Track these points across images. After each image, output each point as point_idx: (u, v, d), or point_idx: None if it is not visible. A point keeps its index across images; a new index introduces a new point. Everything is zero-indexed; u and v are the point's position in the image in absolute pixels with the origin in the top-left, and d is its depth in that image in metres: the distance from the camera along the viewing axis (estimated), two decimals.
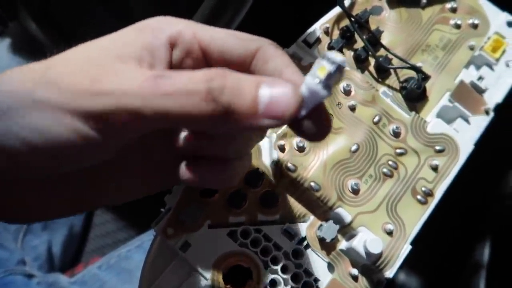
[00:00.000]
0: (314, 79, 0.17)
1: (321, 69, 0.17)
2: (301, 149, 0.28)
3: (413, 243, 0.27)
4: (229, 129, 0.18)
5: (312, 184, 0.27)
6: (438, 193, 0.28)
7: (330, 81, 0.17)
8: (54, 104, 0.17)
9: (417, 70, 0.31)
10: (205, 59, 0.20)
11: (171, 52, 0.19)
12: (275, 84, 0.17)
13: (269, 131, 0.29)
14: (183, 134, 0.20)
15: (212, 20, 0.30)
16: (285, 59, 0.19)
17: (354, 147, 0.29)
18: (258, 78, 0.17)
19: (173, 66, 0.20)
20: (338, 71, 0.17)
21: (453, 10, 0.35)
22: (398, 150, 0.29)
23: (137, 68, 0.18)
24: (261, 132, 0.24)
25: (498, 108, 0.33)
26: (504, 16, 0.35)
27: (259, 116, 0.17)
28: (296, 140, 0.28)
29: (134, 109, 0.16)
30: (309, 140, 0.20)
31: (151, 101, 0.16)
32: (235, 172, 0.21)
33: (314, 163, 0.28)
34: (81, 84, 0.17)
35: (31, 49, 0.54)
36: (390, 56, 0.32)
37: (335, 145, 0.28)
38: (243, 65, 0.19)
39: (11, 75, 0.18)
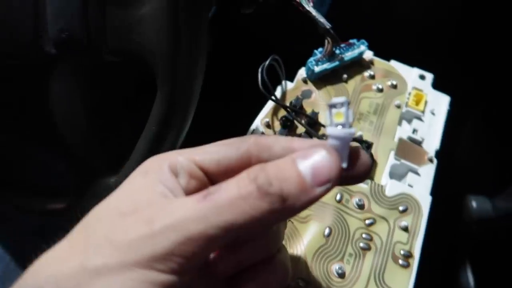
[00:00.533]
0: (335, 127, 0.18)
1: (337, 115, 0.18)
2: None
3: None
4: (289, 214, 0.18)
5: (299, 281, 0.27)
6: (417, 252, 0.29)
7: (349, 120, 0.18)
8: (114, 266, 0.16)
9: (359, 140, 0.33)
10: (206, 176, 0.20)
11: (176, 180, 0.19)
12: (307, 154, 0.18)
13: None
14: (215, 257, 0.20)
15: (156, 145, 0.31)
16: (282, 137, 0.20)
17: (327, 231, 0.29)
18: (289, 157, 0.18)
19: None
20: (349, 107, 0.18)
21: (372, 77, 0.39)
22: (367, 221, 0.30)
23: (176, 198, 0.18)
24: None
25: (439, 154, 0.35)
26: (416, 72, 0.39)
27: (310, 189, 0.17)
28: None
29: (199, 233, 0.16)
30: (357, 182, 0.20)
31: (213, 219, 0.16)
32: (285, 266, 0.21)
33: (295, 258, 0.28)
34: (136, 231, 0.16)
35: None
36: None
37: (308, 235, 0.29)
38: (243, 166, 0.20)
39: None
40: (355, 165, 0.19)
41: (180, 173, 0.19)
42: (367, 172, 0.19)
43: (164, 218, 0.17)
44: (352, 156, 0.19)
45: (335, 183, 0.17)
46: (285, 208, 0.17)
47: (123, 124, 0.43)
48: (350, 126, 0.18)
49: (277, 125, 0.35)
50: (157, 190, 0.18)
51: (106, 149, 0.39)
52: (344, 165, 0.18)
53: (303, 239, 0.29)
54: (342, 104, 0.18)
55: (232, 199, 0.17)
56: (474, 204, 0.46)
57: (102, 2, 0.28)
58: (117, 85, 0.41)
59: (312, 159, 0.17)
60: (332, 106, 0.18)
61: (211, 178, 0.20)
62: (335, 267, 0.28)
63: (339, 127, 0.18)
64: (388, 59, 0.40)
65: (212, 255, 0.20)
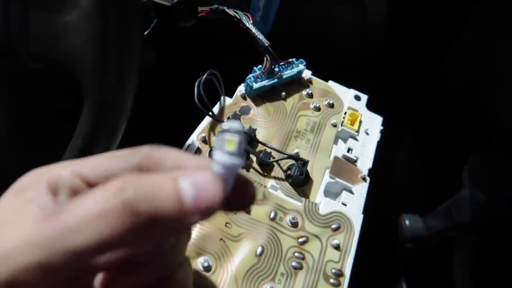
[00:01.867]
0: (225, 154, 0.16)
1: (228, 142, 0.16)
2: (207, 269, 0.27)
3: None
4: (161, 238, 0.15)
5: None
6: (347, 271, 0.29)
7: (241, 149, 0.17)
8: None
9: (295, 158, 0.33)
10: None
11: (53, 199, 0.17)
12: (192, 174, 0.15)
13: None
14: (105, 279, 0.17)
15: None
16: (176, 152, 0.17)
17: (259, 250, 0.28)
18: (173, 173, 0.16)
19: None
20: (244, 137, 0.17)
21: (310, 95, 0.39)
22: (300, 239, 0.30)
23: (23, 225, 0.15)
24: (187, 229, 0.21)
25: (371, 172, 0.36)
26: (352, 92, 0.41)
27: (188, 213, 0.15)
28: (201, 261, 0.27)
29: (35, 262, 0.14)
30: (239, 210, 0.18)
31: (55, 244, 0.14)
32: (184, 285, 0.18)
33: (225, 279, 0.27)
34: None
35: None
36: (268, 150, 0.34)
37: (240, 254, 0.28)
38: None
39: None
40: (238, 196, 0.17)
41: (61, 190, 0.17)
42: (248, 205, 0.18)
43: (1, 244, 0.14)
44: (239, 187, 0.17)
45: (214, 210, 0.15)
46: (154, 231, 0.15)
47: (51, 136, 0.40)
48: (242, 156, 0.17)
49: (213, 140, 0.34)
50: (27, 211, 0.15)
51: (28, 161, 0.36)
52: (228, 189, 0.17)
53: (234, 258, 0.28)
54: (237, 132, 0.17)
55: (88, 218, 0.14)
56: (407, 222, 0.48)
57: (24, 6, 0.27)
58: (44, 95, 0.39)
59: (197, 181, 0.15)
60: (225, 130, 0.17)
61: None
62: (266, 287, 0.27)
63: (227, 154, 0.16)
64: (325, 79, 0.41)
65: (101, 277, 0.17)
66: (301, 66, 0.39)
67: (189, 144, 0.33)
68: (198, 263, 0.27)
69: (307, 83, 0.40)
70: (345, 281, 0.29)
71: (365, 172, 0.36)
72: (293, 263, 0.29)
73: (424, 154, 0.55)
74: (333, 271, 0.29)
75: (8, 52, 0.28)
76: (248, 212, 0.30)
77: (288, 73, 0.38)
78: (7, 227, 0.15)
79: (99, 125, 0.29)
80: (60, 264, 0.14)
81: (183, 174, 0.16)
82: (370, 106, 0.40)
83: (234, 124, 0.17)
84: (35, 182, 0.17)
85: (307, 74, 0.40)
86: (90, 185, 0.17)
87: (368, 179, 0.35)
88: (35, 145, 0.38)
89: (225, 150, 0.16)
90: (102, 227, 0.14)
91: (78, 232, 0.14)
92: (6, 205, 0.16)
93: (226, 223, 0.29)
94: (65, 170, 0.17)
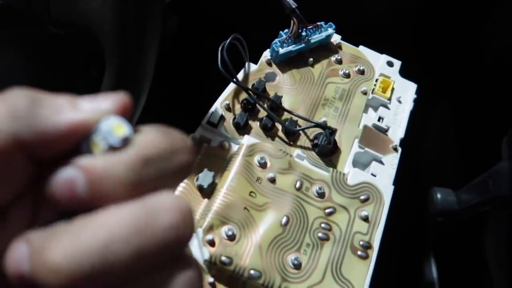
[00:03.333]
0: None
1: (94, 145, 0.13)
2: (231, 238, 0.26)
3: None
4: None
5: (252, 272, 0.26)
6: (376, 243, 0.28)
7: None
8: None
9: (323, 126, 0.32)
10: None
11: None
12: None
13: None
14: None
15: None
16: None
17: (284, 220, 0.28)
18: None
19: None
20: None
21: (339, 61, 0.37)
22: (327, 210, 0.29)
23: None
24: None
25: (403, 143, 0.34)
26: (384, 58, 0.38)
27: None
28: (225, 229, 0.26)
29: None
30: None
31: None
32: None
33: (249, 248, 0.26)
34: None
35: None
36: (294, 118, 0.33)
37: (264, 223, 0.27)
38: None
39: None
40: None
41: None
42: None
43: None
44: None
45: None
46: None
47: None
48: None
49: (238, 108, 0.33)
50: None
51: None
52: None
53: (259, 228, 0.27)
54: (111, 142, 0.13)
55: None
56: (438, 195, 0.46)
57: None
58: (67, 61, 0.39)
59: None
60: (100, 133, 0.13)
61: None
62: (291, 257, 0.27)
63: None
64: (356, 44, 0.39)
65: None
66: (330, 30, 0.37)
67: (213, 112, 0.32)
68: (222, 232, 0.26)
69: (336, 49, 0.38)
70: (373, 253, 0.28)
71: (396, 142, 0.34)
72: (319, 234, 0.28)
73: (458, 125, 0.52)
74: (361, 243, 0.28)
75: (28, 16, 0.27)
76: (273, 181, 0.29)
77: (316, 37, 0.36)
78: None
79: (123, 86, 0.28)
80: None
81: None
82: (403, 73, 0.38)
83: (116, 132, 0.13)
84: None
85: (336, 39, 0.38)
86: None
87: (399, 149, 0.34)
88: None
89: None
90: None
91: None
92: None
93: (251, 192, 0.28)
94: None
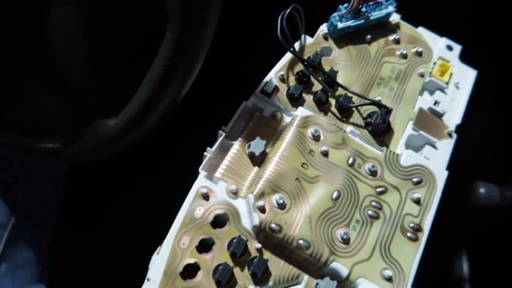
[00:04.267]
0: None
1: None
2: (282, 206, 0.26)
3: (413, 284, 0.26)
4: None
5: (301, 242, 0.25)
6: (426, 226, 0.28)
7: None
8: None
9: (379, 105, 0.31)
10: None
11: None
12: None
13: (244, 192, 0.27)
14: None
15: (160, 88, 0.29)
16: None
17: (335, 194, 0.27)
18: None
19: None
20: None
21: (397, 41, 0.36)
22: (378, 189, 0.28)
23: None
24: None
25: (459, 129, 0.33)
26: (443, 41, 0.37)
27: None
28: (276, 197, 0.26)
29: None
30: None
31: None
32: None
33: (299, 219, 0.26)
34: None
35: None
36: (349, 94, 0.32)
37: (315, 196, 0.27)
38: None
39: None
40: None
41: None
42: None
43: None
44: None
45: None
46: None
47: (129, 65, 0.40)
48: None
49: (292, 80, 0.32)
50: None
51: (107, 89, 0.36)
52: None
53: (309, 199, 0.27)
54: None
55: None
56: (481, 190, 0.45)
57: None
58: (126, 24, 0.38)
59: None
60: None
61: None
62: (340, 232, 0.26)
63: None
64: (415, 25, 0.38)
65: None
66: (391, 8, 0.36)
67: (267, 81, 0.32)
68: (273, 200, 0.26)
69: (395, 28, 0.37)
70: (423, 236, 0.27)
71: (452, 127, 0.33)
72: (369, 212, 0.27)
73: (508, 119, 0.50)
74: (411, 225, 0.27)
75: None
76: (326, 155, 0.28)
77: (375, 14, 0.35)
78: None
79: (181, 54, 0.28)
80: None
81: None
82: (464, 58, 0.37)
83: None
84: None
85: (395, 18, 0.37)
86: None
87: (455, 135, 0.33)
88: (114, 73, 0.38)
89: None
90: None
91: None
92: None
93: (303, 163, 0.28)
94: None
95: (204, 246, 0.25)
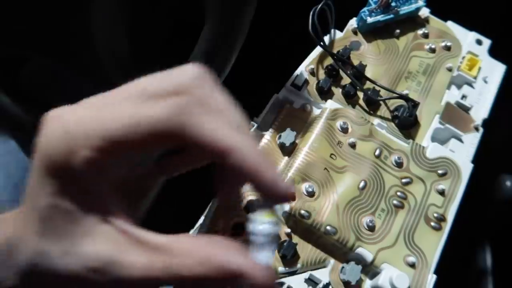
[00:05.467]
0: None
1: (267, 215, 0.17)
2: (311, 194, 0.28)
3: (436, 271, 0.27)
4: None
5: (328, 228, 0.27)
6: (450, 217, 0.29)
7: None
8: None
9: (407, 98, 0.32)
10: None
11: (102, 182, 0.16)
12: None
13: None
14: None
15: None
16: (215, 128, 0.16)
17: (361, 184, 0.29)
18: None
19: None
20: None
21: (425, 35, 0.37)
22: (404, 180, 0.29)
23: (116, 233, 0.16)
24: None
25: (486, 123, 0.34)
26: (473, 35, 0.37)
27: None
28: (305, 186, 0.28)
29: None
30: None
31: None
32: None
33: (327, 206, 0.28)
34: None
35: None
36: (377, 88, 0.33)
37: (343, 185, 0.28)
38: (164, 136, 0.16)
39: None
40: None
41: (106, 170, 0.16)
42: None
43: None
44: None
45: None
46: None
47: (168, 54, 0.42)
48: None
49: (321, 73, 0.34)
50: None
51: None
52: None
53: (337, 188, 0.28)
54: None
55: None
56: (508, 183, 0.45)
57: None
58: (165, 16, 0.40)
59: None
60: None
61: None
62: (366, 219, 0.28)
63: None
64: (444, 19, 0.38)
65: None
66: (420, 2, 0.36)
67: (297, 75, 0.33)
68: (303, 188, 0.28)
69: (423, 22, 0.37)
70: (447, 226, 0.28)
71: (478, 121, 0.34)
72: (395, 202, 0.29)
73: None
74: (435, 215, 0.29)
75: None
76: (354, 146, 0.30)
77: (405, 9, 0.36)
78: None
79: (218, 47, 0.30)
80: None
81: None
82: (493, 53, 0.37)
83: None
84: (71, 169, 0.15)
85: (424, 12, 0.37)
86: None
87: (481, 129, 0.33)
88: (154, 65, 0.40)
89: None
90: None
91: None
92: (49, 194, 0.16)
93: (331, 154, 0.29)
94: (89, 149, 0.15)
95: (238, 230, 0.27)
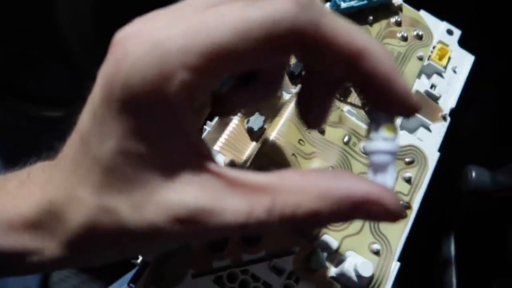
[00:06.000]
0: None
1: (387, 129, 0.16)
2: None
3: (400, 259, 0.27)
4: None
5: None
6: (415, 205, 0.29)
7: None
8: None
9: None
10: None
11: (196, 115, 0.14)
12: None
13: (241, 165, 0.28)
14: None
15: None
16: (348, 29, 0.15)
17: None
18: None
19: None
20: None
21: (398, 23, 0.36)
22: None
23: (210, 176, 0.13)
24: None
25: (453, 113, 0.34)
26: (444, 25, 0.37)
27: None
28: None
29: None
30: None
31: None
32: None
33: None
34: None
35: None
36: None
37: None
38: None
39: None
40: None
41: (195, 100, 0.13)
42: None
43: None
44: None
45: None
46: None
47: None
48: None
49: (293, 58, 0.33)
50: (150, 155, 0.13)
51: None
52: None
53: None
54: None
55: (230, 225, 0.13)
56: (473, 174, 0.46)
57: None
58: None
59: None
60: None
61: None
62: None
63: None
64: (417, 8, 0.38)
65: None
66: None
67: None
68: None
69: (397, 10, 0.37)
70: (412, 214, 0.29)
71: (446, 111, 0.34)
72: None
73: (505, 107, 0.51)
74: (401, 202, 0.29)
75: None
76: (322, 132, 0.29)
77: None
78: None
79: None
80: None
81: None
82: (462, 43, 0.37)
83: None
84: (159, 94, 0.12)
85: (398, 0, 0.37)
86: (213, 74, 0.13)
87: (448, 118, 0.33)
88: None
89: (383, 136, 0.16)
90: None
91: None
92: (127, 128, 0.12)
93: (300, 140, 0.29)
94: (186, 71, 0.12)
95: None
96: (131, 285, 0.25)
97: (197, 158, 0.13)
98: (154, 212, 0.12)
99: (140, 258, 0.27)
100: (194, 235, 0.13)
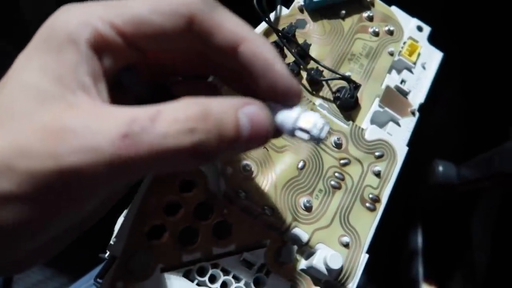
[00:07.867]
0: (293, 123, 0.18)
1: (306, 122, 0.18)
2: (248, 173, 0.27)
3: (368, 251, 0.28)
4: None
5: (265, 208, 0.26)
6: (384, 198, 0.29)
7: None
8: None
9: (348, 80, 0.32)
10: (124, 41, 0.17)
11: (100, 62, 0.16)
12: (249, 106, 0.16)
13: None
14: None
15: None
16: (234, 20, 0.17)
17: (300, 164, 0.28)
18: (232, 106, 0.16)
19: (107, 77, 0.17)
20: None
21: (370, 18, 0.37)
22: (342, 161, 0.29)
23: (92, 102, 0.15)
24: None
25: (421, 108, 0.35)
26: (414, 22, 0.38)
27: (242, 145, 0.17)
28: (243, 164, 0.27)
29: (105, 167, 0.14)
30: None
31: (128, 165, 0.14)
32: None
33: (264, 185, 0.27)
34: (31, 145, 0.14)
35: None
36: (320, 68, 0.32)
37: (282, 165, 0.28)
38: (178, 37, 0.17)
39: None
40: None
41: (105, 53, 0.16)
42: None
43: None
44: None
45: (263, 143, 0.17)
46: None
47: None
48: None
49: None
50: (79, 90, 0.15)
51: None
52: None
53: (275, 168, 0.28)
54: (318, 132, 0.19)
55: (158, 152, 0.14)
56: (440, 168, 0.47)
57: None
58: None
59: (253, 114, 0.16)
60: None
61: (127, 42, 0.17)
62: (303, 200, 0.27)
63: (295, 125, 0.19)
64: (388, 3, 0.38)
65: None
66: None
67: None
68: (240, 166, 0.27)
69: (369, 5, 0.37)
70: (381, 207, 0.29)
71: (415, 106, 0.34)
72: (332, 182, 0.29)
73: (470, 102, 0.53)
74: (371, 196, 0.29)
75: None
76: None
77: None
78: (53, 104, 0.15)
79: None
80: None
81: (241, 106, 0.16)
82: (431, 40, 0.38)
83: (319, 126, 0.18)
84: (73, 34, 0.15)
85: None
86: (124, 36, 0.16)
87: (417, 114, 0.34)
88: None
89: (297, 124, 0.18)
90: (167, 162, 0.15)
91: (147, 161, 0.14)
92: (41, 58, 0.16)
93: None
94: (102, 22, 0.16)
95: (171, 209, 0.26)
96: (98, 280, 0.24)
97: (87, 94, 0.15)
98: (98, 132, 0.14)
99: (108, 252, 0.26)
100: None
